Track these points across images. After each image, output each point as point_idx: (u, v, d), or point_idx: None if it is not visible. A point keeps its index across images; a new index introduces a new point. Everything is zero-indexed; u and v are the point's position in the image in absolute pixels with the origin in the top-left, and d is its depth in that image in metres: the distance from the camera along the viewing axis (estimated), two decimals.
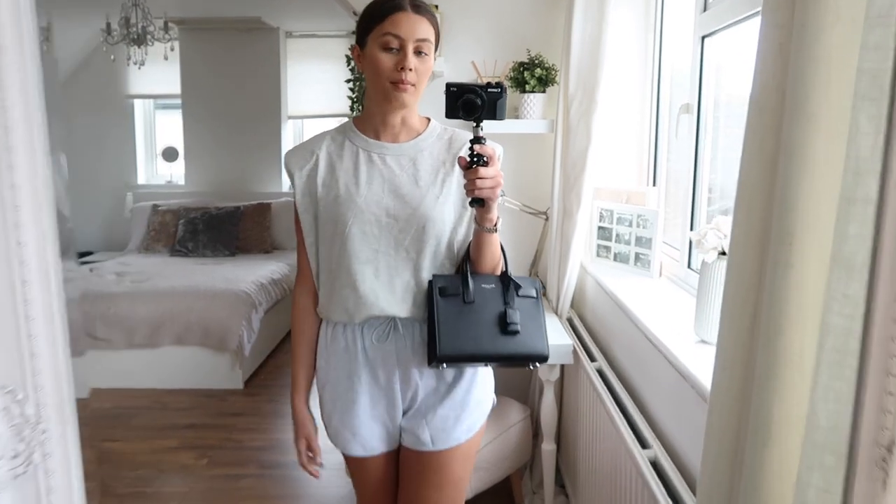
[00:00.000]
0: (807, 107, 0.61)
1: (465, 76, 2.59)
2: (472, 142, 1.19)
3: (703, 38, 1.88)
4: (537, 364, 1.33)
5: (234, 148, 5.61)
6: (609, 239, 2.35)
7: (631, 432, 1.52)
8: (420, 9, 1.27)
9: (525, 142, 2.64)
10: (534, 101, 2.48)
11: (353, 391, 1.36)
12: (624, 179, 2.61)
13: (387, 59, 1.25)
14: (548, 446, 2.24)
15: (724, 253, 1.41)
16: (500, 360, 1.33)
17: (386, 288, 1.31)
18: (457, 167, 1.32)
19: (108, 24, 4.35)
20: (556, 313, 2.37)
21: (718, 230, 1.43)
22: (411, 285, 1.32)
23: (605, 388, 1.79)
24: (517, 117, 2.49)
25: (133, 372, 3.81)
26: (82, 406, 0.67)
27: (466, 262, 1.34)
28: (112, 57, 4.62)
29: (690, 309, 1.75)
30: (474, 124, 1.23)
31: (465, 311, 1.30)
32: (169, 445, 3.11)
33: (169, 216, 5.17)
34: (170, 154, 5.83)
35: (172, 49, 4.70)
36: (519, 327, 1.31)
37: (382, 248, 1.30)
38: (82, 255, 5.54)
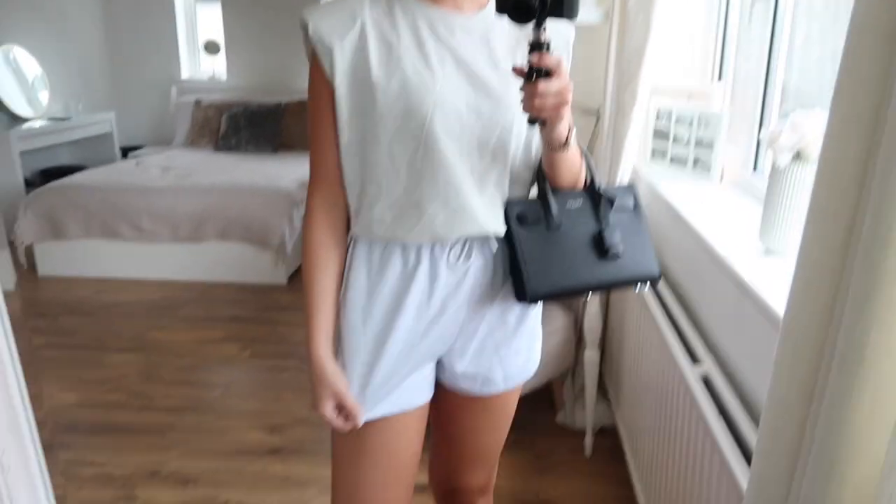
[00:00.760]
0: None
1: None
2: (531, 48, 0.89)
3: None
4: (645, 284, 1.13)
5: (276, 42, 5.43)
6: (666, 140, 2.17)
7: (681, 345, 1.43)
8: None
9: (576, 33, 2.42)
10: None
11: (404, 328, 1.06)
12: (686, 76, 2.38)
13: None
14: (591, 353, 2.17)
15: (799, 155, 1.25)
16: (602, 289, 1.13)
17: (478, 199, 1.03)
18: None
19: None
20: None
21: (795, 129, 1.26)
22: (496, 199, 1.05)
23: (655, 298, 1.68)
24: None
25: (179, 264, 3.88)
26: (11, 297, 0.60)
27: (544, 180, 1.08)
28: None
29: (755, 217, 1.61)
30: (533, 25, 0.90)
31: (553, 240, 1.06)
32: (213, 336, 3.17)
33: (212, 111, 5.11)
34: (212, 47, 5.69)
35: None
36: (619, 249, 1.08)
37: (464, 151, 1.00)
38: (132, 148, 5.58)
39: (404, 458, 1.10)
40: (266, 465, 2.21)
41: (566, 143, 1.00)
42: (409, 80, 0.97)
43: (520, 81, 0.92)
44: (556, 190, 1.09)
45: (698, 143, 2.04)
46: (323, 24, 0.99)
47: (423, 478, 1.39)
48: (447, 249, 1.05)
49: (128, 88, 5.78)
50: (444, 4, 1.01)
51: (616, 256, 1.08)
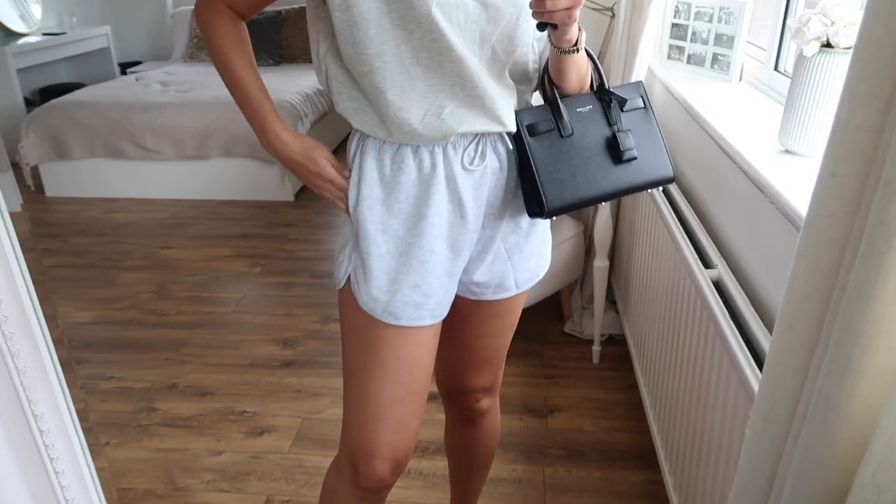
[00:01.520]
0: None
1: None
2: None
3: None
4: (661, 187, 1.09)
5: None
6: (684, 38, 2.06)
7: (693, 250, 1.39)
8: None
9: None
10: None
11: (429, 237, 1.01)
12: None
13: None
14: (600, 263, 2.15)
15: (828, 44, 1.17)
16: (619, 195, 1.06)
17: (492, 90, 0.98)
18: None
19: None
20: None
21: (825, 16, 1.17)
22: (502, 93, 1.00)
23: (666, 203, 1.64)
24: None
25: (186, 183, 3.85)
26: (19, 219, 0.57)
27: (552, 85, 1.03)
28: None
29: (773, 116, 1.53)
30: None
31: (566, 148, 1.01)
32: (223, 254, 3.18)
33: None
34: None
35: None
36: (635, 152, 1.03)
37: (467, 44, 0.94)
38: (130, 64, 5.44)
39: (417, 373, 1.06)
40: (280, 377, 2.25)
41: (576, 46, 0.95)
42: None
43: None
44: (563, 95, 1.04)
45: (717, 40, 1.93)
46: None
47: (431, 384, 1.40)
48: (460, 151, 0.99)
49: (122, 2, 5.57)
50: None
51: (632, 159, 1.03)
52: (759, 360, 1.06)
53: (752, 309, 1.16)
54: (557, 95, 1.03)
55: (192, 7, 4.97)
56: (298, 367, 2.30)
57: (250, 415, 2.06)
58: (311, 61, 4.77)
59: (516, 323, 1.23)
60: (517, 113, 1.01)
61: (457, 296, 1.14)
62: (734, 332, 1.12)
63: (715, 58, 1.94)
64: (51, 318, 0.74)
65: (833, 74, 1.17)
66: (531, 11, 0.88)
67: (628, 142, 1.03)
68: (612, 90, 1.05)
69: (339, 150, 4.66)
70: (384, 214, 1.01)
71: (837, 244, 0.60)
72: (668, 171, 1.07)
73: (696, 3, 1.99)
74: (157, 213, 3.68)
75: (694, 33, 2.02)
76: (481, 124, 0.98)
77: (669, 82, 1.93)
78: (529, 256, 1.13)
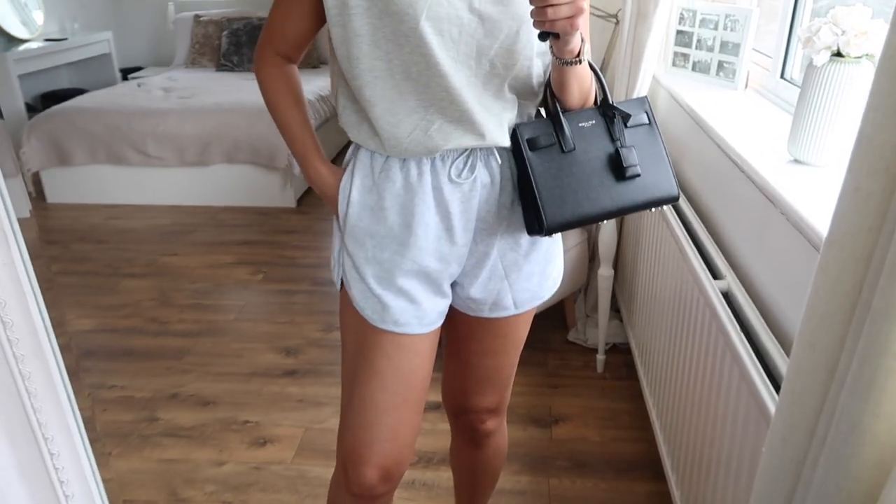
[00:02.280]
0: None
1: None
2: None
3: None
4: (664, 206, 1.06)
5: None
6: (689, 45, 2.05)
7: (701, 260, 1.38)
8: None
9: None
10: None
11: (414, 246, 1.01)
12: None
13: None
14: (605, 272, 2.14)
15: (838, 54, 1.16)
16: (621, 214, 1.03)
17: (478, 109, 0.97)
18: None
19: None
20: None
21: (835, 24, 1.16)
22: (501, 108, 0.99)
23: (673, 212, 1.62)
24: None
25: (188, 189, 3.83)
26: (27, 226, 0.56)
27: (554, 99, 1.01)
28: None
29: (780, 125, 1.52)
30: None
31: (567, 164, 0.99)
32: (225, 261, 3.16)
33: (212, 27, 4.93)
34: None
35: None
36: (638, 169, 1.01)
37: (462, 58, 0.94)
38: (132, 70, 5.44)
39: (413, 381, 1.07)
40: (283, 386, 2.23)
41: (579, 57, 0.93)
42: None
43: None
44: (566, 110, 1.02)
45: (723, 48, 1.92)
46: None
47: (436, 396, 1.39)
48: (448, 163, 0.99)
49: (123, 6, 5.57)
50: None
51: (635, 176, 1.01)
52: (769, 372, 1.05)
53: (763, 321, 1.15)
54: (559, 109, 1.01)
55: (194, 13, 4.97)
56: (301, 375, 2.29)
57: (253, 425, 2.05)
58: (310, 68, 4.77)
59: (520, 344, 1.20)
60: (517, 126, 1.00)
61: (460, 312, 1.14)
62: (745, 344, 1.10)
63: (720, 65, 1.94)
64: (58, 325, 0.73)
65: (843, 84, 1.16)
66: (532, 22, 0.86)
67: (632, 158, 1.01)
68: (616, 105, 1.02)
69: (340, 158, 4.65)
70: (371, 221, 1.03)
71: (861, 261, 0.58)
72: (672, 190, 1.05)
73: (702, 10, 1.99)
74: (158, 220, 3.67)
75: (699, 40, 2.01)
76: (468, 141, 0.98)
77: (675, 90, 1.92)
78: (530, 276, 1.10)
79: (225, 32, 4.82)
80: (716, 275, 1.34)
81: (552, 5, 0.82)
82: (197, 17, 5.03)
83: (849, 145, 1.19)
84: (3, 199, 0.61)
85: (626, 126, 1.03)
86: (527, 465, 1.86)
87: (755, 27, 1.84)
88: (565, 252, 2.23)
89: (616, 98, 2.21)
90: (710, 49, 1.96)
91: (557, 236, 1.13)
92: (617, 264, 2.24)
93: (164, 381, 2.27)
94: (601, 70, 2.45)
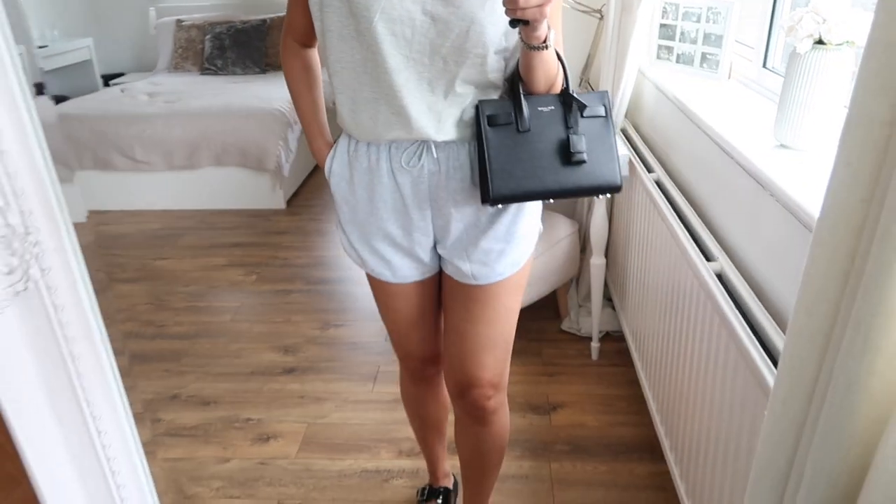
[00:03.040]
0: None
1: None
2: None
3: None
4: (607, 194, 1.14)
5: None
6: (672, 38, 2.10)
7: (693, 244, 1.42)
8: None
9: None
10: None
11: (377, 216, 1.19)
12: None
13: None
14: (597, 260, 2.18)
15: (820, 41, 1.21)
16: (565, 195, 1.12)
17: (417, 106, 1.08)
18: None
19: None
20: None
21: (817, 13, 1.21)
22: (447, 104, 1.09)
23: (664, 199, 1.67)
24: None
25: (177, 193, 3.83)
26: (82, 230, 0.59)
27: (518, 82, 1.09)
28: None
29: (764, 112, 1.58)
30: None
31: (521, 142, 1.09)
32: (217, 263, 3.18)
33: (194, 32, 4.92)
34: None
35: None
36: (585, 156, 1.10)
37: (415, 55, 1.04)
38: (113, 76, 5.41)
39: (408, 314, 1.32)
40: (283, 384, 2.25)
41: (545, 43, 1.00)
42: None
43: None
44: (529, 94, 1.10)
45: (706, 40, 1.97)
46: None
47: None
48: (401, 151, 1.13)
49: (104, 12, 5.54)
50: None
51: (580, 163, 1.10)
52: (766, 348, 1.09)
53: (757, 300, 1.20)
54: (522, 92, 1.09)
55: (175, 18, 4.94)
56: (300, 373, 2.31)
57: (255, 422, 2.07)
58: None
59: (506, 316, 1.26)
60: (480, 102, 1.09)
61: (444, 275, 1.28)
62: (740, 321, 1.15)
63: (704, 57, 1.99)
64: (110, 325, 0.76)
65: (826, 70, 1.21)
66: (485, 22, 0.98)
67: (580, 145, 1.10)
68: (574, 95, 1.11)
69: None
70: (346, 190, 1.20)
71: (853, 231, 0.63)
72: (615, 180, 1.12)
73: (684, 3, 2.04)
74: (148, 225, 3.67)
75: (682, 33, 2.06)
76: (401, 134, 1.10)
77: (660, 82, 1.97)
78: (487, 253, 1.19)
79: (208, 36, 4.82)
80: (708, 257, 1.38)
81: None
82: (179, 21, 5.02)
83: (832, 128, 1.25)
84: (47, 177, 0.61)
85: (581, 116, 1.12)
86: (528, 450, 1.90)
87: (737, 19, 1.89)
88: (557, 243, 2.27)
89: (603, 88, 2.26)
90: (694, 41, 2.01)
91: (525, 220, 1.21)
92: (608, 253, 2.29)
93: (163, 384, 2.28)
94: (586, 65, 2.50)
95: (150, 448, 0.77)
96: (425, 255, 1.24)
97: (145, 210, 3.86)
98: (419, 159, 1.13)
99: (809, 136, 1.27)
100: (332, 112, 1.22)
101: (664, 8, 2.10)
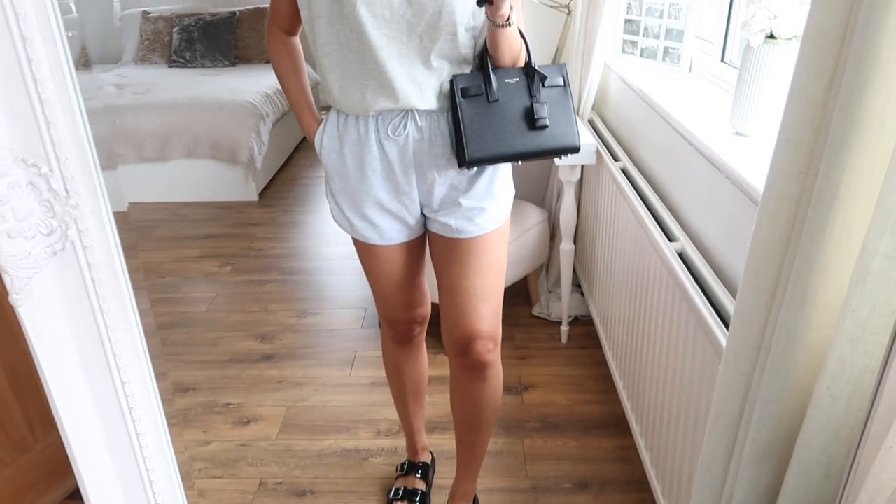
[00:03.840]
0: None
1: None
2: None
3: None
4: (567, 154, 1.29)
5: None
6: (636, 33, 2.19)
7: (657, 226, 1.51)
8: None
9: None
10: None
11: (367, 183, 1.31)
12: None
13: None
14: (566, 246, 2.27)
15: (771, 36, 1.31)
16: (531, 157, 1.28)
17: (401, 78, 1.20)
18: None
19: None
20: (578, 114, 2.28)
21: (768, 10, 1.30)
22: (426, 76, 1.22)
23: (629, 185, 1.76)
24: None
25: (148, 186, 3.82)
26: (122, 218, 0.63)
27: (486, 57, 1.23)
28: None
29: (722, 103, 1.68)
30: None
31: (491, 111, 1.24)
32: (191, 255, 3.19)
33: (161, 23, 4.88)
34: None
35: None
36: (547, 121, 1.25)
37: (394, 34, 1.17)
38: None
39: (393, 274, 1.43)
40: (262, 370, 2.30)
41: (508, 21, 1.14)
42: None
43: None
44: (496, 68, 1.24)
45: (668, 35, 2.07)
46: None
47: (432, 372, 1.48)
48: (387, 122, 1.25)
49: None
50: None
51: (544, 127, 1.25)
52: (722, 318, 1.19)
53: (714, 275, 1.29)
54: (490, 66, 1.23)
55: (142, 10, 4.89)
56: (279, 359, 2.36)
57: (235, 406, 2.11)
58: (266, 62, 4.79)
59: (494, 267, 1.36)
60: (454, 77, 1.22)
61: (433, 235, 1.38)
62: (699, 295, 1.24)
63: (666, 51, 2.09)
64: (144, 312, 0.80)
65: (776, 62, 1.31)
66: (454, 3, 1.11)
67: (542, 112, 1.24)
68: (536, 67, 1.25)
69: (303, 149, 4.69)
70: (337, 162, 1.31)
71: (793, 199, 0.71)
72: (574, 141, 1.27)
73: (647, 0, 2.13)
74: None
75: (646, 28, 2.15)
76: (389, 104, 1.22)
77: (625, 75, 2.06)
78: (469, 210, 1.32)
79: (176, 29, 4.79)
80: (670, 238, 1.48)
81: None
82: (145, 13, 4.97)
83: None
84: (88, 149, 0.64)
85: (543, 86, 1.26)
86: (502, 428, 1.98)
87: (697, 15, 1.99)
88: (527, 231, 2.36)
89: (572, 86, 2.35)
90: (657, 36, 2.11)
91: (500, 181, 1.34)
92: (577, 239, 2.38)
93: None
94: (555, 58, 2.59)
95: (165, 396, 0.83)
96: (411, 218, 1.36)
97: None
98: (404, 128, 1.25)
99: (761, 123, 1.37)
100: (316, 93, 1.31)
101: (628, 4, 2.20)
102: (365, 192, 1.32)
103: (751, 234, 0.76)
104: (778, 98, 1.34)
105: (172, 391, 2.10)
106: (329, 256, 3.06)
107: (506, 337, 2.42)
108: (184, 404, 2.12)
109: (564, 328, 2.40)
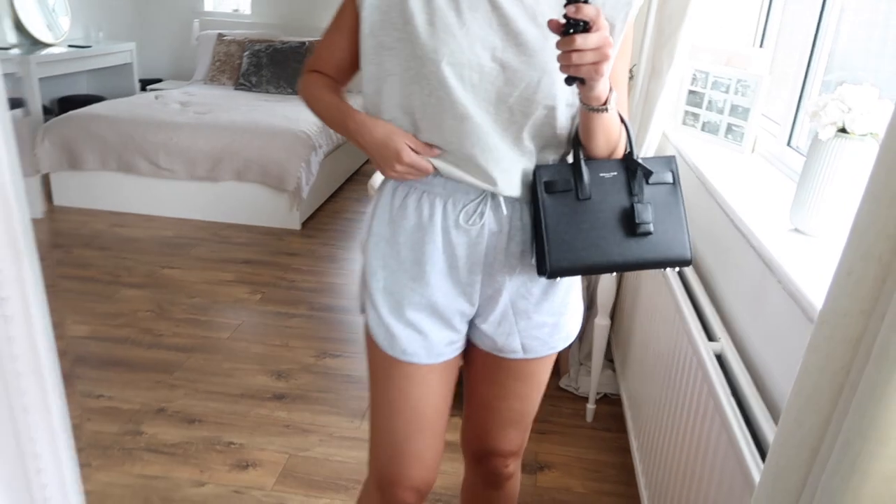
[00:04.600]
0: None
1: None
2: (568, 0, 0.82)
3: None
4: (675, 268, 1.08)
5: None
6: (699, 106, 2.09)
7: (697, 320, 1.38)
8: None
9: None
10: None
11: (423, 282, 1.05)
12: (726, 38, 2.28)
13: None
14: (602, 321, 2.14)
15: (843, 130, 1.18)
16: (628, 268, 1.05)
17: (486, 155, 1.00)
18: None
19: None
20: None
21: (842, 101, 1.18)
22: (514, 157, 1.01)
23: (673, 270, 1.63)
24: None
25: (194, 203, 3.86)
26: (38, 227, 0.56)
27: (578, 146, 1.02)
28: None
29: (784, 191, 1.55)
30: None
31: (581, 211, 1.01)
32: (225, 278, 3.17)
33: (234, 47, 5.02)
34: None
35: None
36: (651, 227, 1.01)
37: (481, 103, 0.97)
38: (151, 81, 5.52)
39: (425, 410, 1.12)
40: (271, 409, 2.22)
41: (605, 105, 0.93)
42: (435, 23, 0.95)
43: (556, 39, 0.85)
44: (590, 159, 1.03)
45: (733, 111, 1.96)
46: None
47: (451, 436, 1.38)
48: (459, 207, 1.03)
49: (150, 19, 5.68)
50: None
51: (646, 234, 1.01)
52: (756, 439, 1.05)
53: (754, 387, 1.15)
54: (582, 157, 1.02)
55: (217, 32, 5.06)
56: (290, 400, 2.28)
57: (237, 446, 2.03)
58: None
59: (541, 388, 1.21)
60: (537, 167, 1.02)
61: (475, 350, 1.16)
62: (734, 410, 1.10)
63: (729, 127, 1.97)
64: (56, 328, 0.73)
65: (847, 159, 1.18)
66: (559, 66, 0.86)
67: (645, 215, 1.01)
68: (640, 160, 1.03)
69: (353, 181, 4.69)
70: (387, 252, 1.07)
71: (850, 343, 0.59)
72: (684, 253, 1.04)
73: (714, 72, 2.03)
74: (162, 231, 3.69)
75: (710, 102, 2.04)
76: (471, 179, 1.01)
77: (683, 148, 1.95)
78: (540, 326, 1.11)
79: (246, 53, 4.91)
80: (711, 336, 1.34)
81: (577, 51, 0.82)
82: (221, 35, 5.13)
83: (848, 220, 1.21)
84: (14, 205, 0.61)
85: (647, 182, 1.03)
86: None
87: (765, 93, 1.87)
88: None
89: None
90: (721, 111, 2.00)
91: (576, 291, 1.15)
92: (614, 314, 2.24)
93: (152, 395, 2.26)
94: None
95: (120, 461, 0.74)
96: (461, 325, 1.12)
97: (161, 216, 3.89)
98: (480, 217, 1.03)
99: (824, 223, 1.24)
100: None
101: (694, 75, 2.10)
102: (419, 291, 1.06)
103: (800, 350, 0.64)
104: (845, 198, 1.21)
105: (132, 441, 2.03)
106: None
107: None
108: (186, 437, 2.06)
109: (591, 406, 2.25)
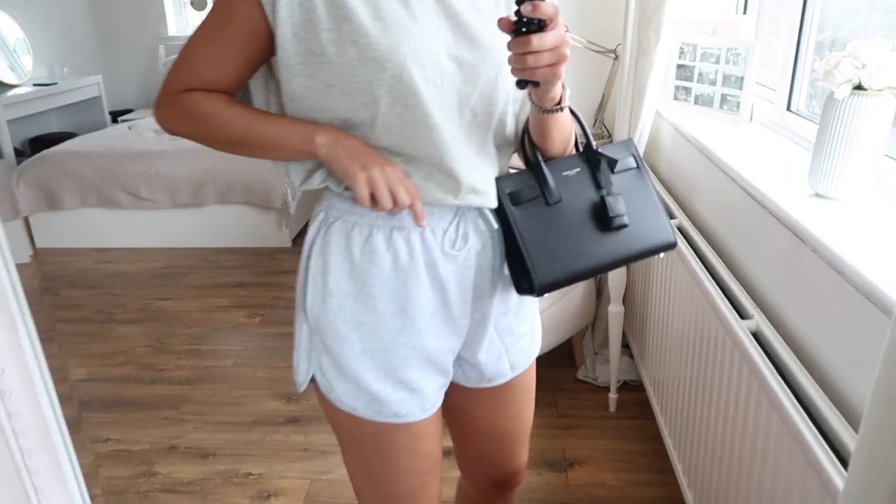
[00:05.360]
0: None
1: None
2: None
3: None
4: (663, 252, 0.99)
5: None
6: (690, 79, 2.05)
7: (725, 299, 1.34)
8: None
9: None
10: None
11: (413, 331, 0.92)
12: (709, 7, 2.25)
13: None
14: (615, 308, 2.10)
15: (860, 87, 1.14)
16: (616, 266, 0.96)
17: (464, 164, 0.87)
18: None
19: None
20: None
21: (855, 58, 1.14)
22: (484, 165, 0.90)
23: (688, 247, 1.59)
24: None
25: (181, 231, 3.78)
26: (25, 271, 0.50)
27: (535, 148, 0.93)
28: None
29: (793, 157, 1.51)
30: None
31: (554, 217, 0.91)
32: (221, 304, 3.10)
33: None
34: (198, 3, 5.46)
35: None
36: (625, 218, 0.93)
37: (445, 108, 0.84)
38: (121, 112, 5.41)
39: (434, 457, 1.02)
40: (286, 434, 2.15)
41: (560, 104, 0.86)
42: (385, 19, 0.79)
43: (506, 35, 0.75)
44: (547, 159, 0.95)
45: (725, 81, 1.92)
46: None
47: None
48: (440, 235, 0.90)
49: (114, 49, 5.58)
50: None
51: (622, 227, 0.94)
52: (809, 413, 1.00)
53: (799, 363, 1.10)
54: (541, 159, 0.93)
55: None
56: (304, 423, 2.21)
57: (256, 477, 1.96)
58: None
59: (534, 394, 1.16)
60: (497, 180, 0.91)
61: (459, 387, 1.07)
62: (783, 387, 1.05)
63: (724, 98, 1.93)
64: (58, 373, 0.67)
65: (865, 116, 1.14)
66: (510, 69, 0.77)
67: (618, 207, 0.94)
68: (600, 150, 0.96)
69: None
70: (357, 311, 0.90)
71: None
72: (668, 237, 0.99)
73: (702, 44, 1.99)
74: (151, 263, 3.60)
75: (700, 74, 2.01)
76: (451, 200, 0.88)
77: (679, 123, 1.91)
78: (521, 336, 1.06)
79: None
80: (742, 314, 1.30)
81: (533, 52, 0.73)
82: None
83: (871, 178, 1.17)
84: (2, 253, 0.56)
85: (612, 172, 0.96)
86: None
87: (758, 61, 1.83)
88: (572, 290, 2.19)
89: (616, 137, 2.20)
90: (713, 82, 1.96)
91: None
92: (626, 299, 2.20)
93: (161, 433, 2.18)
94: (600, 105, 2.45)
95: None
96: (450, 364, 1.00)
97: (148, 248, 3.80)
98: (465, 241, 0.91)
99: (847, 185, 1.19)
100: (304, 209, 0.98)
101: (681, 48, 2.06)
102: (409, 344, 0.92)
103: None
104: (867, 157, 1.16)
105: (146, 483, 1.96)
106: None
107: (548, 403, 2.24)
108: (202, 473, 1.99)
109: (613, 395, 2.20)
